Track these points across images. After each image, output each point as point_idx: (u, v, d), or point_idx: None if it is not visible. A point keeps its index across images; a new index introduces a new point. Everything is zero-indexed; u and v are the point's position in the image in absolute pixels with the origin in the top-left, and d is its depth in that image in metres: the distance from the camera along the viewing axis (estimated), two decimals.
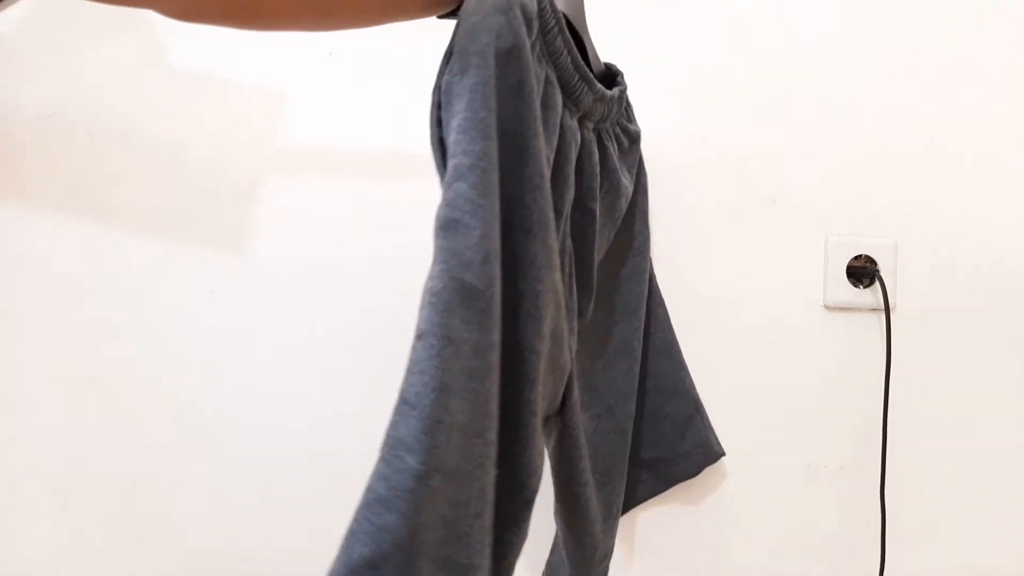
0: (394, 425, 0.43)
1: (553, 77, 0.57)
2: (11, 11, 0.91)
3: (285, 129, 0.92)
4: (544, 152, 0.52)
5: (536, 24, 0.52)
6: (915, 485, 0.93)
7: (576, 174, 0.62)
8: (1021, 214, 0.93)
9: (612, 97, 0.69)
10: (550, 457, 0.64)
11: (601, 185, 0.68)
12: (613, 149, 0.71)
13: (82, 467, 0.92)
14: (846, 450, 0.93)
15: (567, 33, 0.58)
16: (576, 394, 0.62)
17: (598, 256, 0.70)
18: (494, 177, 0.47)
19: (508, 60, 0.48)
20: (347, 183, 0.92)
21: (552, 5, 0.55)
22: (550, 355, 0.54)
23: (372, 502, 0.42)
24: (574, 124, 0.62)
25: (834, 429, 0.93)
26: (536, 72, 0.52)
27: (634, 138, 0.79)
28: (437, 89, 0.53)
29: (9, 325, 0.91)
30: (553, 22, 0.55)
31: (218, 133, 0.91)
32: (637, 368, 0.83)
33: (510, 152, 0.49)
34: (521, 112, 0.50)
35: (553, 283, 0.53)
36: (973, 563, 0.94)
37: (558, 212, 0.57)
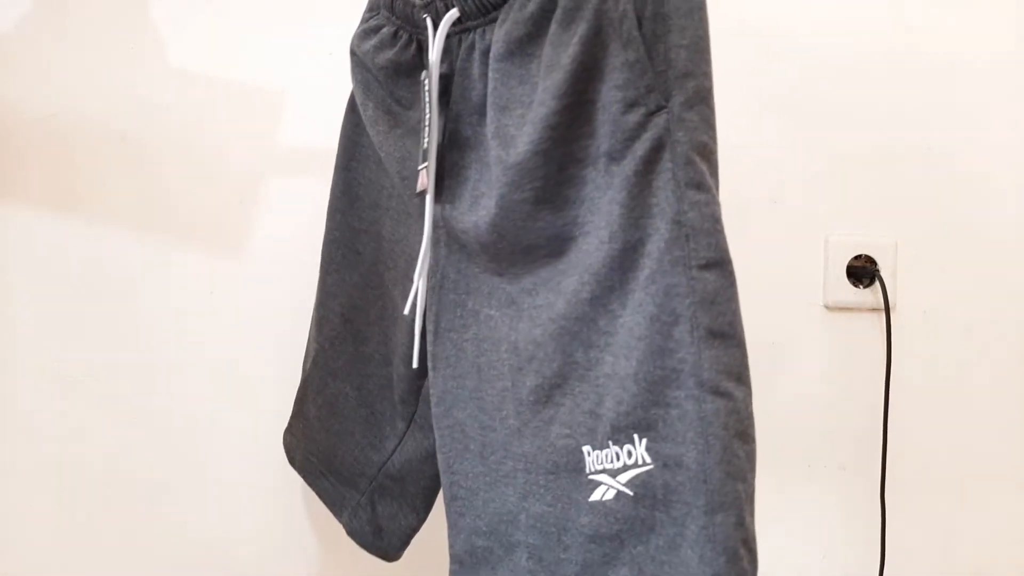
0: (716, 358, 0.46)
1: None
2: (10, 11, 0.91)
3: (285, 129, 0.92)
4: None
5: None
6: (915, 485, 0.93)
7: None
8: (1021, 214, 0.94)
9: None
10: None
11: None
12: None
13: (82, 467, 0.91)
14: (846, 450, 0.93)
15: None
16: None
17: None
18: None
19: None
20: None
21: None
22: None
23: (733, 437, 0.45)
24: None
25: (834, 429, 0.93)
26: None
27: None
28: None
29: (9, 325, 0.91)
30: None
31: (218, 133, 0.91)
32: None
33: None
34: None
35: None
36: (973, 563, 0.94)
37: None
